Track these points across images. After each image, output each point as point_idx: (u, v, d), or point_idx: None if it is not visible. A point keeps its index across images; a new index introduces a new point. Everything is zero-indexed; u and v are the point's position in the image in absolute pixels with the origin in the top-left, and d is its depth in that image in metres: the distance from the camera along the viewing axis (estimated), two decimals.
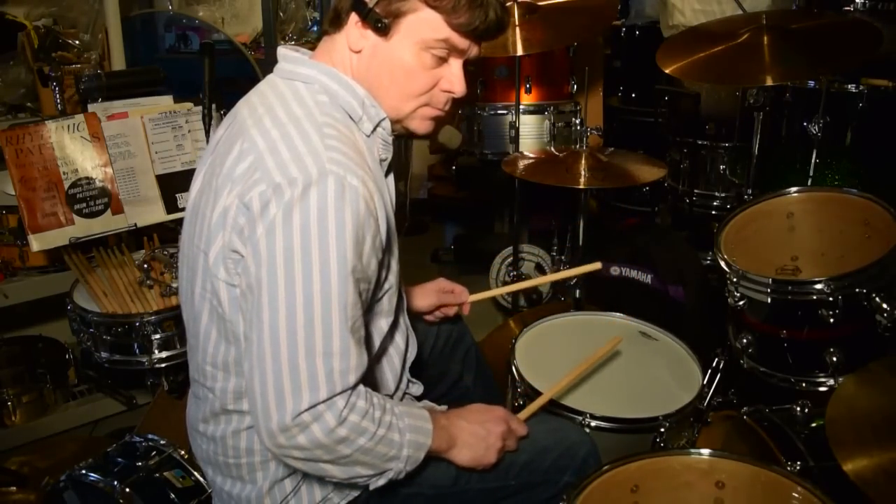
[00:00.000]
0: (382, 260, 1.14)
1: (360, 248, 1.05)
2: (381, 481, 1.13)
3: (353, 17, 1.14)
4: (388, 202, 1.17)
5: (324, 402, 1.02)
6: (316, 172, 1.02)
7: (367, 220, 1.05)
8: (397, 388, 1.34)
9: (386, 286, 1.21)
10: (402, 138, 1.28)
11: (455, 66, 1.18)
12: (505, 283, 3.00)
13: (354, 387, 1.07)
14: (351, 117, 1.17)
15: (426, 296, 1.61)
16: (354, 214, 1.03)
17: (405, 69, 1.15)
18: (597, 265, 1.74)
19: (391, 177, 1.26)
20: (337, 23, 1.17)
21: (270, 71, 1.23)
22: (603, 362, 1.66)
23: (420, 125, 1.23)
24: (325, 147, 1.06)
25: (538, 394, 1.52)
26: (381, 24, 1.12)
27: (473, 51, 1.18)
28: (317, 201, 1.01)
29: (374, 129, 1.19)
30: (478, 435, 1.23)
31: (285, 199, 1.01)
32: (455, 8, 1.11)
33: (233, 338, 1.13)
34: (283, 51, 1.21)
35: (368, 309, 1.18)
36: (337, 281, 1.02)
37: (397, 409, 1.14)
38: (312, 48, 1.24)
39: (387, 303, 1.23)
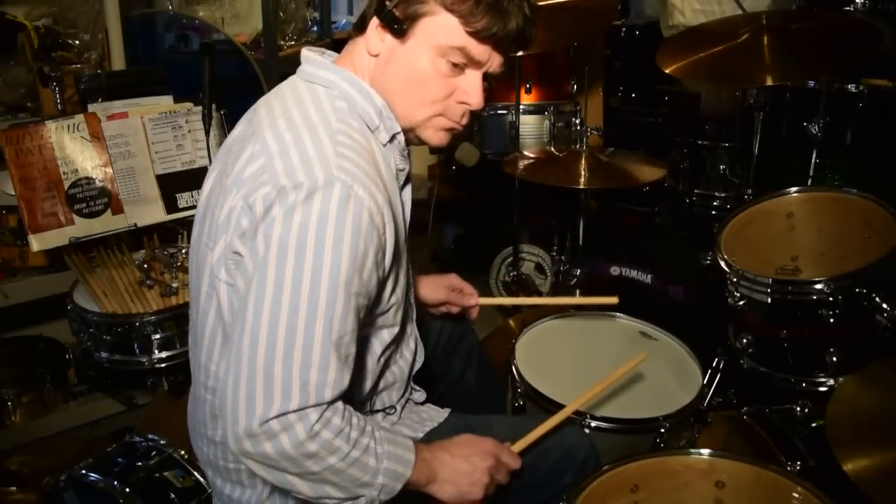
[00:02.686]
0: (388, 275, 1.12)
1: (359, 261, 1.02)
2: None
3: (374, 21, 1.13)
4: (399, 215, 1.15)
5: (294, 412, 0.98)
6: (323, 178, 1.00)
7: (369, 233, 1.02)
8: (401, 396, 1.34)
9: (392, 300, 1.18)
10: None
11: (472, 78, 1.14)
12: (504, 284, 3.00)
13: (331, 403, 1.02)
14: (368, 126, 1.15)
15: (436, 290, 1.59)
16: (355, 225, 1.00)
17: (419, 74, 1.12)
18: (614, 299, 1.71)
19: (408, 189, 1.25)
20: (361, 27, 1.17)
21: (271, 71, 1.23)
22: (603, 363, 1.65)
23: (433, 136, 1.19)
24: (335, 154, 1.04)
25: (539, 395, 1.53)
26: (397, 27, 1.10)
27: (494, 63, 1.14)
28: (319, 207, 0.99)
29: (391, 140, 1.18)
30: (461, 471, 1.16)
31: (288, 202, 1.00)
32: (472, 13, 1.07)
33: None
34: (306, 53, 1.19)
35: (370, 322, 1.17)
36: (326, 291, 0.99)
37: (378, 433, 1.08)
38: (327, 47, 1.24)
39: (392, 316, 1.21)
